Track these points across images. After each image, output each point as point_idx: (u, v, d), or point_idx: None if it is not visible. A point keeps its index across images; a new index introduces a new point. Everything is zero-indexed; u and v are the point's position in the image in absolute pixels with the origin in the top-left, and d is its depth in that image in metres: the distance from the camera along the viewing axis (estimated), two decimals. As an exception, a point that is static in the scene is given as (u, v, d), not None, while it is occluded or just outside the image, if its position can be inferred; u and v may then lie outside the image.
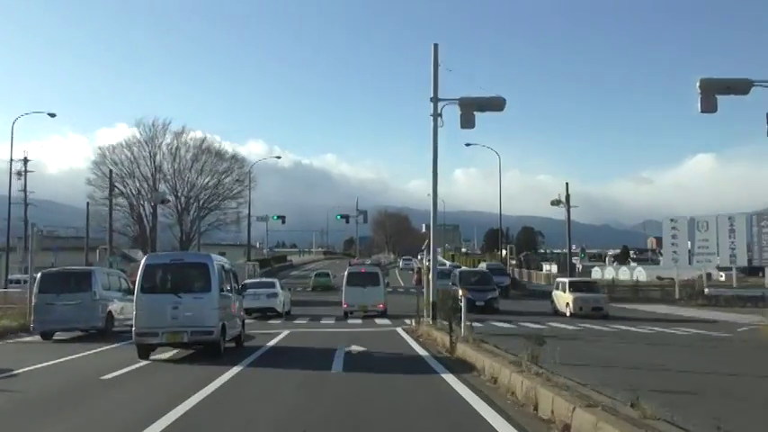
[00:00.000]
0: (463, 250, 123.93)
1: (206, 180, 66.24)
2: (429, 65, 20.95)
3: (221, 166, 66.57)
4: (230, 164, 66.82)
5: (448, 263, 76.25)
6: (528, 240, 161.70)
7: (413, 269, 71.99)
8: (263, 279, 35.65)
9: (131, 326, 14.50)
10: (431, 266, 21.63)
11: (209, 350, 14.34)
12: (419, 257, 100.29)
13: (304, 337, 20.63)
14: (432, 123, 21.21)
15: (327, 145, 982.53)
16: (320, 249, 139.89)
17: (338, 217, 64.82)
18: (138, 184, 64.43)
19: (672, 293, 45.13)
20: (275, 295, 29.84)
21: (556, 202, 46.16)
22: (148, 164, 64.53)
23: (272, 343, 18.56)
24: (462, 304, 15.94)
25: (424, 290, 24.85)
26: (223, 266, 15.72)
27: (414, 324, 22.13)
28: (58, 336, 20.37)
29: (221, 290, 14.67)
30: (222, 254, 25.21)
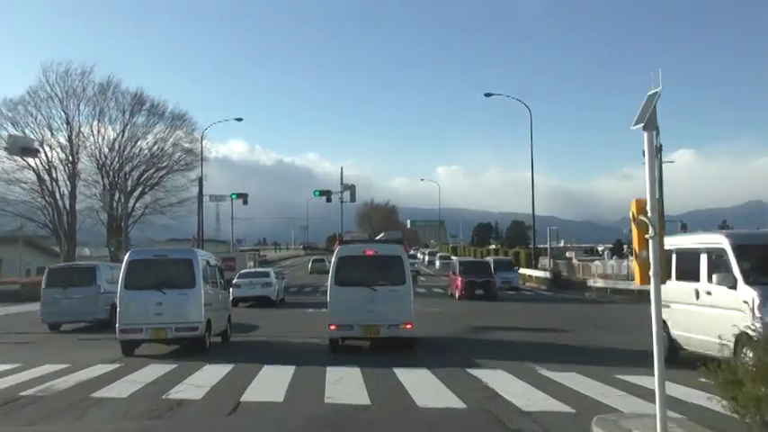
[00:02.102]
0: (451, 245, 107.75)
1: (142, 147, 47.81)
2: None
3: (161, 127, 48.17)
4: (172, 125, 48.30)
5: (455, 257, 59.71)
6: (518, 235, 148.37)
7: (418, 271, 53.91)
8: (259, 269, 34.03)
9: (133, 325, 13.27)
10: None
11: (194, 346, 13.23)
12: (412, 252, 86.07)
13: None
14: None
15: (309, 143, 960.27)
16: (300, 246, 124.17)
17: (317, 194, 46.37)
18: (50, 154, 45.87)
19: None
20: (270, 285, 27.93)
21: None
22: (63, 125, 45.96)
23: None
24: None
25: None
26: (208, 261, 14.88)
27: None
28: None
29: (206, 285, 13.68)
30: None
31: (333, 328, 13.24)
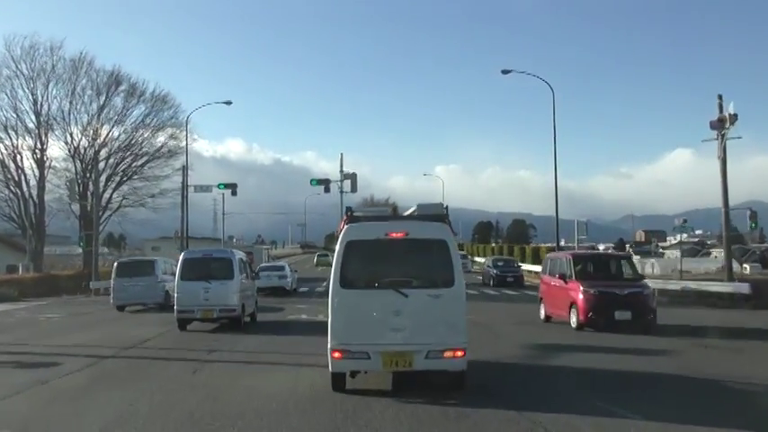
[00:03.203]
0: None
1: (119, 131, 42.29)
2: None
3: (141, 110, 42.65)
4: (153, 109, 42.72)
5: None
6: (520, 234, 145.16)
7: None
8: (276, 263, 37.13)
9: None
10: None
11: (233, 323, 16.07)
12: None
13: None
14: None
15: (307, 142, 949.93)
16: (297, 244, 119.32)
17: (314, 183, 41.12)
18: (14, 139, 40.34)
19: None
20: (285, 276, 30.85)
21: (717, 124, 23.55)
22: (30, 107, 40.40)
23: None
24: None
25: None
26: (241, 259, 17.72)
27: None
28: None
29: (241, 277, 16.72)
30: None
31: (336, 356, 7.84)
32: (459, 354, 7.85)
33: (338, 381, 8.12)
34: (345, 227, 8.32)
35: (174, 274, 22.60)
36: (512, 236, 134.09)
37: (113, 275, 23.81)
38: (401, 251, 8.19)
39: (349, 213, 8.66)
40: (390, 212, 8.85)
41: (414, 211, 8.93)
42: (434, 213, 8.69)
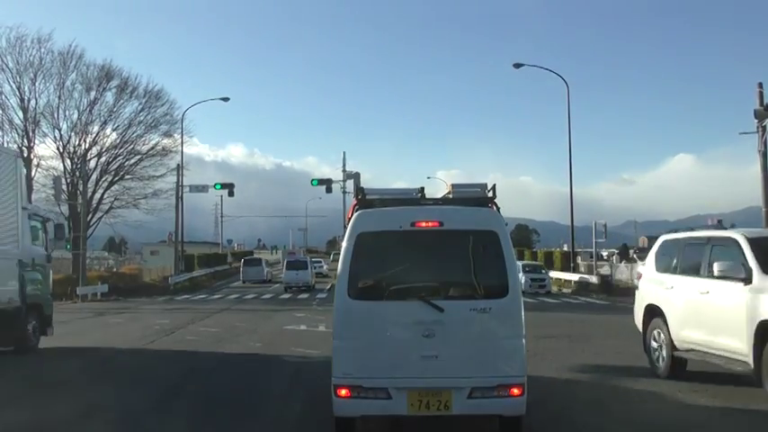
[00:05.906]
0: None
1: (110, 128, 40.04)
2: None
3: (134, 106, 40.42)
4: (147, 105, 40.50)
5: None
6: (523, 239, 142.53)
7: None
8: (315, 259, 54.71)
9: (275, 280, 44.39)
10: None
11: (308, 289, 35.29)
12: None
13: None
14: None
15: (308, 147, 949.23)
16: (299, 248, 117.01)
17: (314, 183, 38.97)
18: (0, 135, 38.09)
19: None
20: (322, 266, 54.79)
21: (763, 113, 21.24)
22: (16, 102, 38.14)
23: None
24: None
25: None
26: (310, 259, 42.31)
27: None
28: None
29: (310, 268, 37.98)
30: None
31: (343, 394, 5.52)
32: (516, 392, 5.51)
33: (345, 429, 5.80)
34: (356, 214, 5.98)
35: (270, 265, 52.98)
36: (515, 241, 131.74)
37: (242, 266, 46.79)
38: (434, 247, 5.83)
39: (360, 195, 6.28)
40: (418, 195, 6.43)
41: (448, 194, 6.57)
42: (476, 197, 6.34)
